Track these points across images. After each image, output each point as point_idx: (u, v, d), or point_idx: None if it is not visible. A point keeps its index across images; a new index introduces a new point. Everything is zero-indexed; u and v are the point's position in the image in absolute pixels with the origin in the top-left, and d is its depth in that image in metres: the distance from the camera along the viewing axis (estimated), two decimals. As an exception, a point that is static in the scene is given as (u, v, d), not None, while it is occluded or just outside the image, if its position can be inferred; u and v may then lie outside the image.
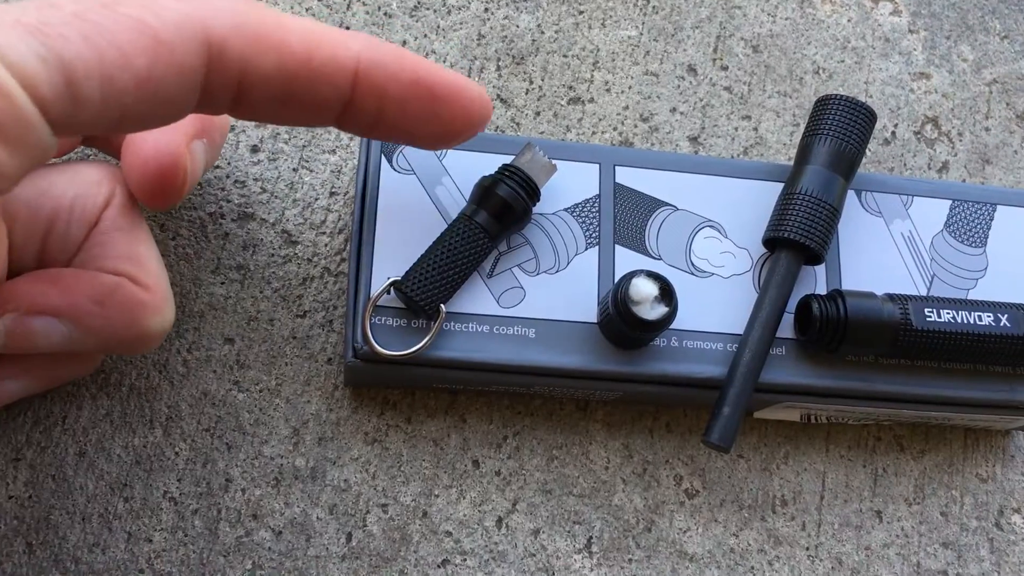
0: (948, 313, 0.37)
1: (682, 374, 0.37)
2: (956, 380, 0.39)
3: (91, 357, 0.34)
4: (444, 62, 0.45)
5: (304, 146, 0.42)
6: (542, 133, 0.44)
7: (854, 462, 0.42)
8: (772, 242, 0.39)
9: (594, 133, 0.45)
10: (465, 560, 0.38)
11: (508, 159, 0.38)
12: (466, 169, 0.38)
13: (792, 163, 0.40)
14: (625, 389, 0.38)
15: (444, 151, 0.39)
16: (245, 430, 0.38)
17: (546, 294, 0.37)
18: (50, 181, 0.31)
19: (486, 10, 0.46)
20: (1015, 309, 0.38)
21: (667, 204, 0.40)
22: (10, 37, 0.21)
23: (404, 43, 0.45)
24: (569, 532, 0.39)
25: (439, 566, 0.37)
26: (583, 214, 0.39)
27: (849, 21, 0.50)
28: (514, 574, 0.38)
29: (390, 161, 0.38)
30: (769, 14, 0.49)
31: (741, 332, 0.38)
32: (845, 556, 0.40)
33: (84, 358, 0.34)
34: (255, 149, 0.42)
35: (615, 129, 0.45)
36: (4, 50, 0.21)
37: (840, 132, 0.39)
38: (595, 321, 0.37)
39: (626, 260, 0.38)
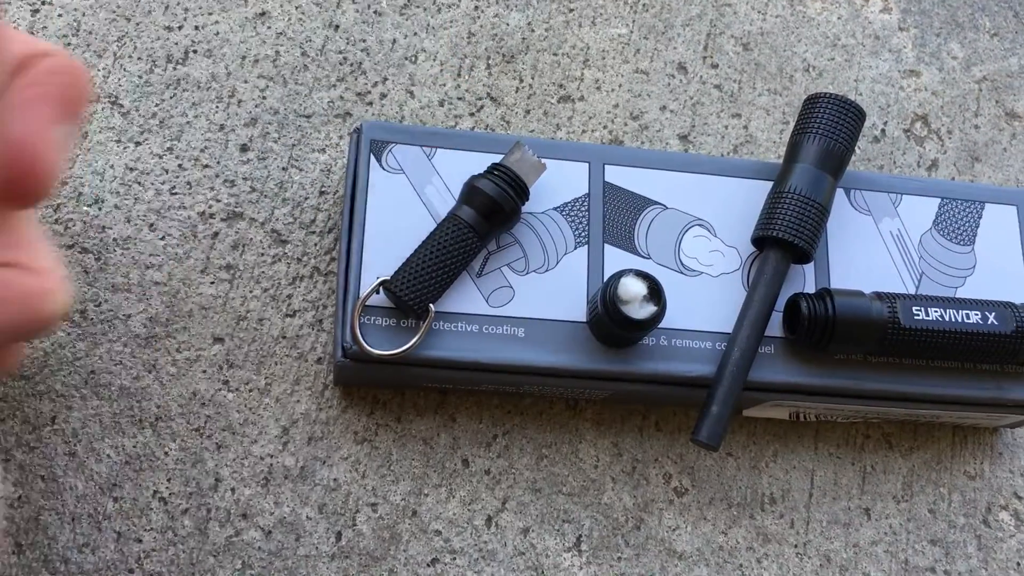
0: (936, 311, 0.37)
1: (671, 373, 0.37)
2: (944, 378, 0.39)
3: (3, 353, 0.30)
4: (434, 60, 0.45)
5: (294, 145, 0.42)
6: (532, 131, 0.45)
7: (843, 460, 0.42)
8: (761, 241, 0.39)
9: (584, 131, 0.45)
10: (455, 559, 0.38)
11: (497, 158, 0.38)
12: (455, 168, 0.38)
13: (781, 161, 0.40)
14: (614, 388, 0.38)
15: (434, 150, 0.39)
16: (235, 430, 0.38)
17: (535, 293, 0.37)
18: None
19: (476, 8, 0.46)
20: (1003, 307, 0.38)
21: (656, 203, 0.40)
22: None
23: (394, 41, 0.45)
24: (558, 531, 0.39)
25: (429, 565, 0.38)
26: (572, 213, 0.39)
27: (839, 19, 0.50)
28: (504, 573, 0.38)
29: (379, 160, 0.38)
30: (759, 12, 0.49)
31: (730, 331, 0.38)
32: (833, 553, 0.40)
33: None
34: (244, 148, 0.42)
35: (605, 127, 0.45)
36: None
37: (829, 131, 0.39)
38: (584, 320, 0.37)
39: (615, 259, 0.38)
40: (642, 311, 0.35)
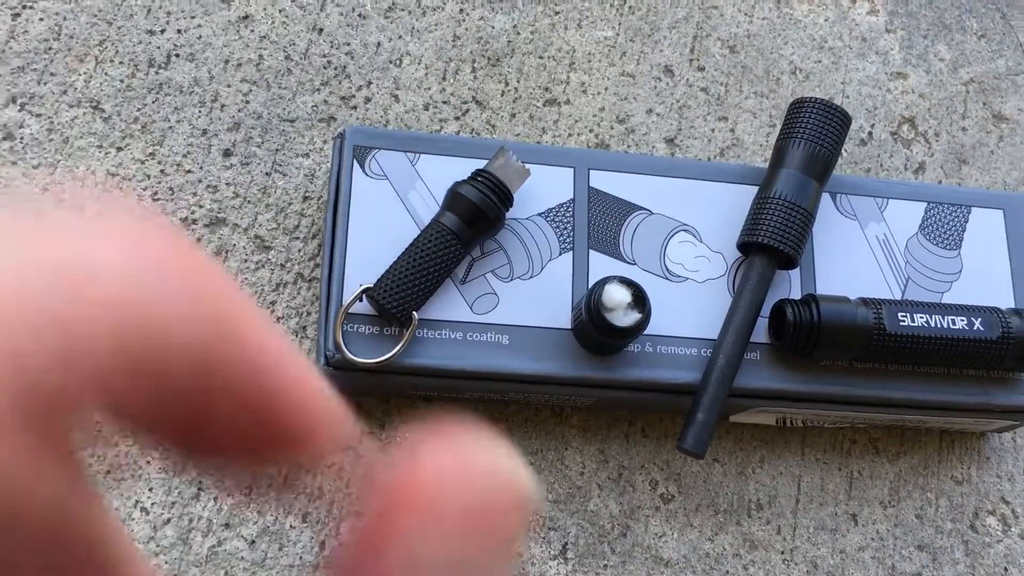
0: (922, 317, 0.37)
1: (656, 380, 0.37)
2: (930, 384, 0.39)
3: None
4: (419, 64, 0.45)
5: (277, 150, 0.42)
6: (518, 135, 0.44)
7: (829, 465, 0.42)
8: (746, 246, 0.39)
9: (570, 135, 0.45)
10: (440, 567, 0.38)
11: (482, 163, 0.38)
12: (439, 174, 0.38)
13: (767, 166, 0.40)
14: (599, 395, 0.38)
15: (418, 155, 0.39)
16: (217, 438, 0.38)
17: (520, 300, 0.37)
18: None
19: (461, 11, 0.46)
20: (988, 313, 0.38)
21: (642, 208, 0.39)
22: None
23: (378, 45, 0.45)
24: (544, 538, 0.39)
25: (413, 573, 0.37)
26: (557, 219, 0.39)
27: (826, 21, 0.50)
28: (489, 581, 0.38)
29: (363, 166, 0.38)
30: (746, 14, 0.49)
31: (715, 337, 0.38)
32: (820, 560, 0.40)
33: None
34: (227, 153, 0.41)
35: (591, 131, 0.45)
36: None
37: (814, 135, 0.39)
38: (569, 327, 0.37)
39: (600, 265, 0.38)
40: (626, 319, 0.35)
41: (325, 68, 0.44)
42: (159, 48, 0.43)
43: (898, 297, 0.40)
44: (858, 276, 0.40)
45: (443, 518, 0.13)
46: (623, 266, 0.38)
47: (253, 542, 0.37)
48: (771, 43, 0.49)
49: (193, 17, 0.43)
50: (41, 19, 0.42)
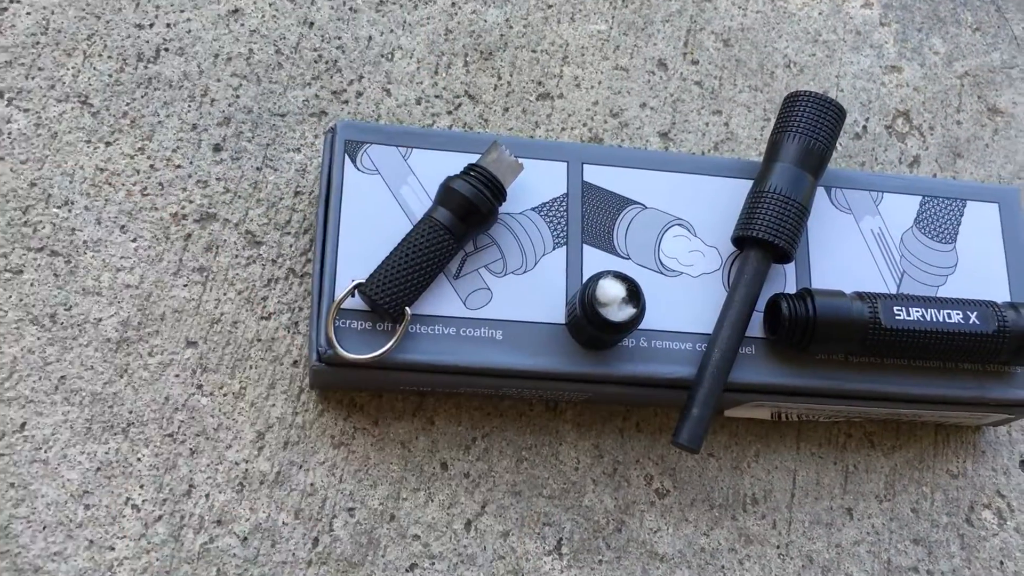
0: (917, 311, 0.37)
1: (651, 375, 0.37)
2: (926, 378, 0.39)
3: None
4: (411, 58, 0.44)
5: (268, 144, 0.42)
6: (511, 130, 0.44)
7: (825, 459, 0.41)
8: (741, 241, 0.38)
9: (563, 129, 0.45)
10: (434, 564, 0.37)
11: (474, 158, 0.38)
12: (432, 169, 0.38)
13: (762, 160, 0.40)
14: (594, 390, 0.38)
15: (410, 150, 0.38)
16: (209, 435, 0.37)
17: (513, 295, 0.37)
18: None
19: (453, 4, 0.46)
20: (984, 306, 0.38)
21: (636, 203, 0.39)
22: None
23: (370, 38, 0.44)
24: (539, 534, 0.38)
25: (407, 570, 0.37)
26: (551, 213, 0.38)
27: (820, 14, 0.49)
28: (483, 577, 0.37)
29: (354, 161, 0.38)
30: (740, 7, 0.49)
31: (710, 332, 0.37)
32: (816, 554, 0.40)
33: None
34: (217, 148, 0.41)
35: (585, 125, 0.45)
36: None
37: (809, 129, 0.38)
38: (563, 322, 0.37)
39: (594, 260, 0.38)
40: (621, 313, 0.34)
41: (316, 62, 0.43)
42: (148, 42, 0.42)
43: (893, 291, 0.40)
44: (853, 270, 0.40)
45: None
46: (617, 261, 0.38)
47: (245, 539, 0.36)
48: (765, 36, 0.48)
49: (182, 11, 0.43)
50: (28, 13, 0.42)
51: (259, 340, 0.39)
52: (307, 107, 0.42)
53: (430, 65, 0.44)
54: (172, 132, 0.41)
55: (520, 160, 0.37)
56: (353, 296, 0.35)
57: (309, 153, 0.42)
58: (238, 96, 0.42)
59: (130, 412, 0.37)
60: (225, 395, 0.38)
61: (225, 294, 0.39)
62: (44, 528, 0.35)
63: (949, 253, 0.41)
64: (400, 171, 0.38)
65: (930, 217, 0.41)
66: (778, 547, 0.40)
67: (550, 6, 0.47)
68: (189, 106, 0.41)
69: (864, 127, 0.47)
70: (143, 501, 0.36)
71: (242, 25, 0.43)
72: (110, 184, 0.40)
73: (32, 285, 0.38)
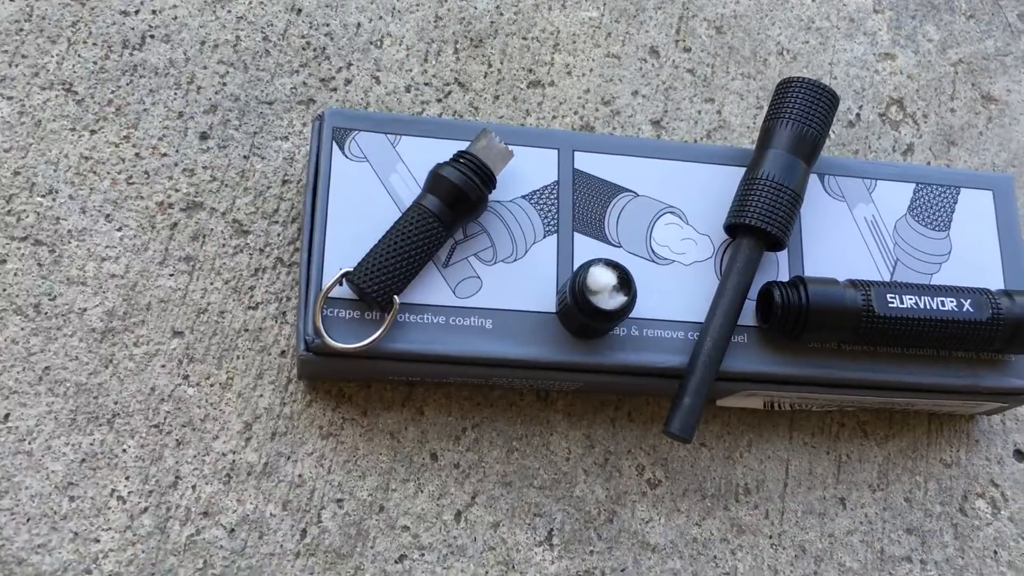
0: (910, 299, 0.37)
1: (642, 364, 0.36)
2: (919, 366, 0.38)
3: None
4: (400, 45, 0.44)
5: (255, 132, 0.41)
6: (501, 118, 0.44)
7: (818, 449, 0.41)
8: (733, 228, 0.38)
9: (555, 117, 0.44)
10: (423, 555, 0.37)
11: (464, 145, 0.37)
12: (421, 156, 0.37)
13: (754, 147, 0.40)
14: (585, 380, 0.37)
15: (399, 137, 0.38)
16: (195, 426, 0.37)
17: (503, 284, 0.36)
18: None
19: (443, -9, 0.45)
20: (978, 294, 0.37)
21: (627, 190, 0.39)
22: None
23: (358, 25, 0.44)
24: (530, 525, 0.38)
25: (397, 561, 0.37)
26: (541, 201, 0.38)
27: (813, 1, 0.49)
28: (473, 568, 0.37)
29: (342, 148, 0.37)
30: (733, -6, 0.48)
31: (702, 320, 0.37)
32: (808, 544, 0.40)
33: None
34: (204, 136, 0.41)
35: (576, 113, 0.44)
36: None
37: (802, 115, 0.38)
38: (554, 311, 0.36)
39: (585, 248, 0.38)
40: (612, 301, 0.34)
41: (304, 49, 0.43)
42: (133, 29, 0.42)
43: (887, 279, 0.39)
44: (846, 258, 0.39)
45: None
46: (608, 249, 0.38)
47: (233, 530, 0.36)
48: (758, 23, 0.48)
49: (169, -3, 0.42)
50: (12, 0, 0.41)
51: (246, 330, 0.38)
52: (295, 95, 0.42)
53: (419, 52, 0.44)
54: (158, 120, 0.40)
55: (510, 147, 0.37)
56: (341, 285, 0.35)
57: (297, 141, 0.41)
58: (225, 83, 0.42)
59: (115, 403, 0.37)
60: (212, 385, 0.37)
61: (212, 283, 0.39)
62: (28, 520, 0.35)
63: (943, 241, 0.40)
64: (389, 158, 0.37)
65: (924, 205, 0.41)
66: (771, 537, 0.40)
67: (541, -7, 0.46)
68: (175, 94, 0.41)
69: (858, 115, 0.47)
70: (129, 493, 0.36)
71: (229, 12, 0.43)
72: (95, 173, 0.39)
73: (16, 275, 0.37)
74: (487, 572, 0.37)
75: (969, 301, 0.37)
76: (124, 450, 0.36)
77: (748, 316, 0.38)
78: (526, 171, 0.38)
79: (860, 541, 0.40)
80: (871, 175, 0.41)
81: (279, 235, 0.40)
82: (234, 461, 0.37)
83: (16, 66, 0.40)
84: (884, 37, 0.49)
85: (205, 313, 0.38)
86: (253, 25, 0.43)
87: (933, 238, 0.40)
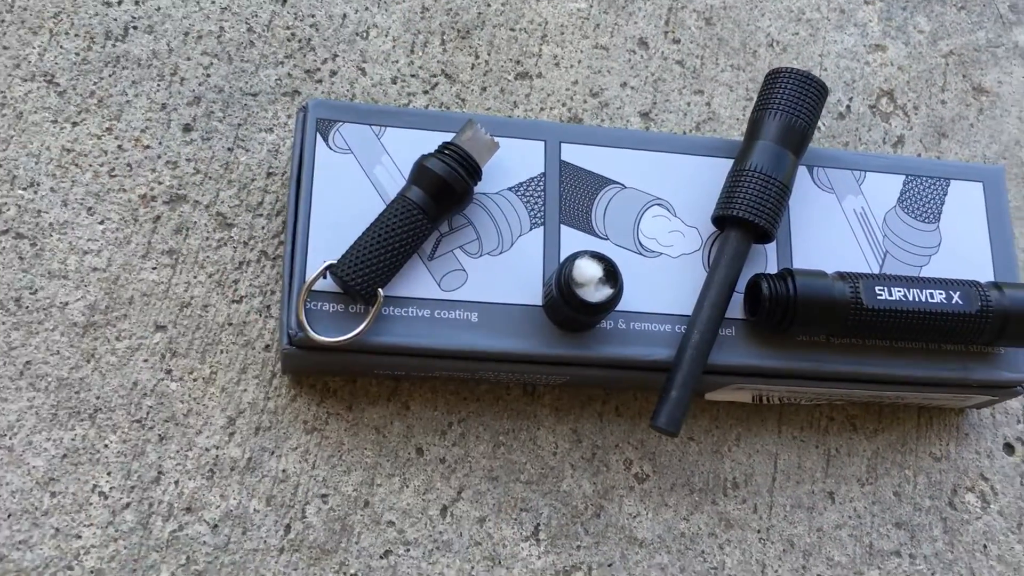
0: (900, 291, 0.37)
1: (629, 357, 0.36)
2: (909, 359, 0.38)
3: None
4: (386, 36, 0.43)
5: (239, 124, 0.41)
6: (488, 109, 0.43)
7: (806, 443, 0.41)
8: (721, 220, 0.38)
9: (542, 109, 0.44)
10: (408, 550, 0.37)
11: (450, 137, 0.37)
12: (406, 147, 0.37)
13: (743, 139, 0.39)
14: (572, 373, 0.37)
15: (384, 128, 0.37)
16: (178, 420, 0.36)
17: (489, 276, 0.36)
18: None
19: (430, -18, 0.45)
20: (967, 286, 0.37)
21: (614, 182, 0.38)
22: None
23: (344, 16, 0.43)
24: (516, 520, 0.38)
25: (382, 557, 0.36)
26: (527, 193, 0.38)
27: (804, -8, 0.49)
28: (459, 564, 0.37)
29: (326, 140, 0.37)
30: (722, -15, 0.48)
31: (690, 313, 0.37)
32: (797, 538, 0.40)
33: None
34: (187, 128, 0.40)
35: (564, 105, 0.44)
36: None
37: (791, 106, 0.38)
38: (540, 304, 0.36)
39: (572, 240, 0.37)
40: (598, 294, 0.34)
41: (289, 40, 0.42)
42: (116, 20, 0.41)
43: (876, 271, 0.39)
44: (835, 250, 0.39)
45: None
46: (595, 241, 0.37)
47: (216, 526, 0.36)
48: (748, 15, 0.48)
49: (152, -12, 0.42)
50: (-7, -10, 0.41)
51: (230, 324, 0.38)
52: (279, 86, 0.42)
53: (406, 44, 0.44)
54: (141, 112, 0.40)
55: (496, 139, 0.36)
56: (325, 277, 0.35)
57: (282, 133, 0.41)
58: (209, 75, 0.41)
59: (97, 398, 0.36)
60: (195, 380, 0.37)
61: (195, 277, 0.38)
62: (9, 516, 0.34)
63: (932, 233, 0.40)
64: (373, 150, 0.37)
65: (913, 197, 0.40)
66: (759, 531, 0.39)
67: (529, -16, 0.46)
68: (158, 85, 0.41)
69: (848, 107, 0.47)
70: (111, 488, 0.35)
71: (213, 2, 0.42)
72: (77, 165, 0.39)
73: (-4, 268, 0.37)
74: (473, 567, 0.37)
75: (958, 293, 0.37)
76: (106, 445, 0.36)
77: (736, 309, 0.37)
78: (512, 163, 0.38)
79: (849, 535, 0.40)
80: (860, 167, 0.41)
81: (263, 228, 0.39)
82: (217, 456, 0.36)
83: (-3, 57, 0.40)
84: (875, 28, 0.49)
85: (188, 307, 0.38)
86: (237, 16, 0.42)
87: (923, 230, 0.40)
